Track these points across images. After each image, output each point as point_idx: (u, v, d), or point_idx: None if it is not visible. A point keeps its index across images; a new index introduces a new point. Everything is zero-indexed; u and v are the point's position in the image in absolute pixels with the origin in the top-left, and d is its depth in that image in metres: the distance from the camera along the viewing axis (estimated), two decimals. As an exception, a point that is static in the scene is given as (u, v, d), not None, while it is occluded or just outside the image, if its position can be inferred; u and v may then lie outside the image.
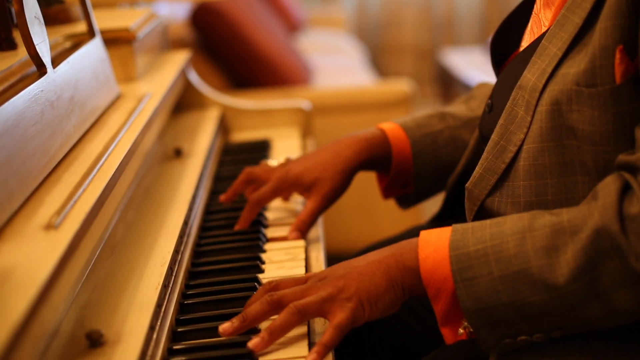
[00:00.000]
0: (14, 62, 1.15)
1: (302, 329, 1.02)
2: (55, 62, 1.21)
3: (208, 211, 1.44)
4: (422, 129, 1.41)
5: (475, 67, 4.60)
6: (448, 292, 0.99)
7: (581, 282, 0.91)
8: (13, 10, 1.15)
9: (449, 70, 4.90)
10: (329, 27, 5.07)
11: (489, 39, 1.30)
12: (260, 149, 1.75)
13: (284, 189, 1.35)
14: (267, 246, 1.30)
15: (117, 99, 1.45)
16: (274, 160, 1.49)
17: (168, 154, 1.57)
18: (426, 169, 1.41)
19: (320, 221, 1.42)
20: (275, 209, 1.43)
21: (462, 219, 1.13)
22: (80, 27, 1.50)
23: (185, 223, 1.28)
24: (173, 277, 1.13)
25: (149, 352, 0.95)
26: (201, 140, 1.64)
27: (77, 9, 1.57)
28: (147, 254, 1.16)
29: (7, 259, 0.83)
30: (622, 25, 0.95)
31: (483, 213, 1.12)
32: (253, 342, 0.97)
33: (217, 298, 1.13)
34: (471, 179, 1.12)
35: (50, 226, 0.90)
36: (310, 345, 1.00)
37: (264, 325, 1.02)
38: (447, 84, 5.03)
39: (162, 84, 1.59)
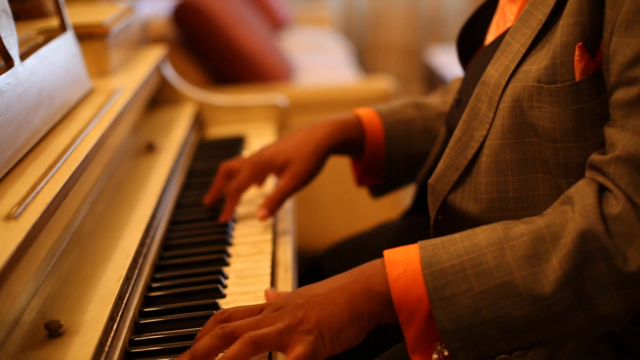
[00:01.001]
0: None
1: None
2: (25, 56, 1.21)
3: (179, 205, 1.44)
4: (396, 115, 1.42)
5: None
6: (423, 313, 0.92)
7: (568, 289, 0.88)
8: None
9: (435, 69, 4.91)
10: (315, 26, 5.07)
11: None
12: (235, 144, 1.76)
13: (259, 172, 1.35)
14: (236, 240, 1.31)
15: (89, 93, 1.45)
16: (248, 152, 1.50)
17: (141, 148, 1.58)
18: (397, 156, 1.42)
19: (290, 214, 1.43)
20: (246, 202, 1.44)
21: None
22: (55, 22, 1.50)
23: (153, 217, 1.28)
24: (137, 270, 1.14)
25: (108, 343, 0.95)
26: (175, 136, 1.65)
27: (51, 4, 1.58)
28: (113, 246, 1.17)
29: (-36, 249, 0.84)
30: (583, 22, 0.95)
31: (446, 209, 1.12)
32: None
33: (182, 291, 1.14)
34: (434, 174, 1.12)
35: (10, 217, 0.91)
36: None
37: None
38: (434, 83, 5.04)
39: (135, 78, 1.59)
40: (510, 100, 1.02)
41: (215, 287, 1.13)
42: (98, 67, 1.59)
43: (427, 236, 1.02)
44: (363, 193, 1.51)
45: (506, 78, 1.03)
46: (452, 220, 1.11)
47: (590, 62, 0.96)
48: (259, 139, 1.79)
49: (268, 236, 1.31)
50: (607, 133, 0.92)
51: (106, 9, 1.79)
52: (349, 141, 1.38)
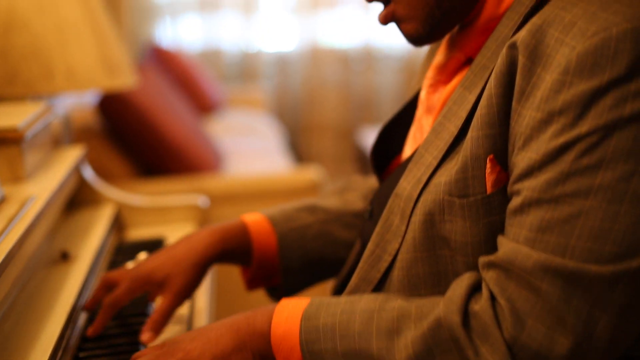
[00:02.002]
0: None
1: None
2: None
3: (92, 317, 1.40)
4: (290, 222, 1.39)
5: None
6: None
7: None
8: None
9: (368, 150, 4.94)
10: (249, 107, 5.09)
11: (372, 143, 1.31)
12: (155, 247, 1.72)
13: (137, 288, 1.30)
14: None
15: (1, 202, 1.41)
16: (133, 262, 1.46)
17: (55, 257, 1.53)
18: (294, 264, 1.39)
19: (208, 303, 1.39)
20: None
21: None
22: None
23: (62, 336, 1.24)
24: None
25: None
26: (91, 242, 1.61)
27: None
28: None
29: None
30: (493, 135, 0.96)
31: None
32: None
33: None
34: (347, 288, 1.12)
35: None
36: None
37: None
38: (367, 163, 5.07)
39: (51, 183, 1.55)
40: (422, 214, 1.03)
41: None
42: (12, 173, 1.55)
43: None
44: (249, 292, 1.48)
45: (418, 191, 1.04)
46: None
47: (502, 174, 0.97)
48: (180, 241, 1.76)
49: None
50: (498, 241, 0.95)
51: (23, 110, 1.76)
52: (231, 251, 1.35)
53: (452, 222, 1.00)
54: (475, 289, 0.94)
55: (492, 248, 0.98)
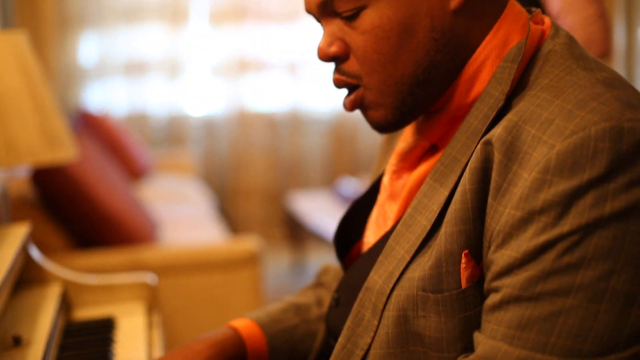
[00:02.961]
0: None
1: None
2: None
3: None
4: (278, 324, 1.36)
5: (322, 211, 4.67)
6: None
7: None
8: None
9: (296, 214, 4.96)
10: (176, 172, 5.07)
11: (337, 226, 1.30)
12: (104, 328, 1.69)
13: None
14: None
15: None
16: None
17: (7, 342, 1.50)
18: None
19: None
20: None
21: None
22: None
23: None
24: None
25: None
26: (41, 324, 1.58)
27: None
28: None
29: None
30: (467, 230, 0.97)
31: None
32: None
33: None
34: None
35: None
36: None
37: None
38: (296, 227, 5.09)
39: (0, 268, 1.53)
40: (394, 309, 1.02)
41: None
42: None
43: None
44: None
45: (390, 285, 1.03)
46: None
47: (475, 268, 0.98)
48: (129, 321, 1.74)
49: None
50: (475, 338, 0.95)
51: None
52: None
53: (426, 317, 0.99)
54: None
55: (468, 343, 0.98)
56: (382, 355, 1.03)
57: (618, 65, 4.50)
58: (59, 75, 5.18)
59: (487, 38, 1.06)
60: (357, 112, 1.15)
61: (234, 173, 5.58)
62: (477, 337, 0.94)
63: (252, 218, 5.51)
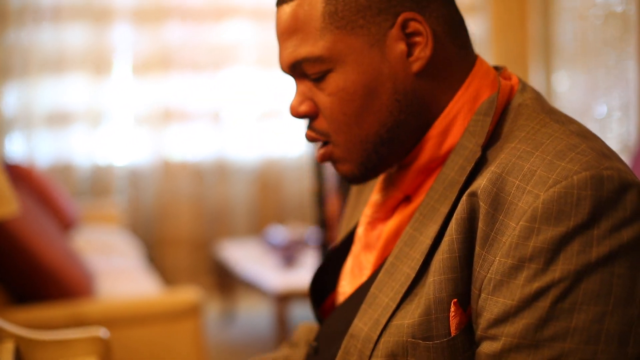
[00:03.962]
0: None
1: None
2: None
3: None
4: None
5: (250, 259, 4.67)
6: None
7: None
8: None
9: (224, 262, 4.95)
10: (103, 223, 5.02)
11: (312, 275, 1.31)
12: (60, 384, 1.69)
13: None
14: None
15: None
16: None
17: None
18: None
19: None
20: None
21: None
22: None
23: None
24: None
25: None
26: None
27: None
28: None
29: None
30: (455, 279, 1.01)
31: None
32: None
33: None
34: None
35: None
36: None
37: None
38: (225, 276, 5.07)
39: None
40: (383, 355, 1.04)
41: None
42: None
43: None
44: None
45: (377, 332, 1.05)
46: None
47: (463, 315, 1.01)
48: (84, 376, 1.73)
49: None
50: None
51: None
52: None
53: None
54: None
55: None
56: None
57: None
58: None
59: (459, 93, 1.12)
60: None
61: (160, 223, 5.54)
62: None
63: (180, 267, 5.48)
